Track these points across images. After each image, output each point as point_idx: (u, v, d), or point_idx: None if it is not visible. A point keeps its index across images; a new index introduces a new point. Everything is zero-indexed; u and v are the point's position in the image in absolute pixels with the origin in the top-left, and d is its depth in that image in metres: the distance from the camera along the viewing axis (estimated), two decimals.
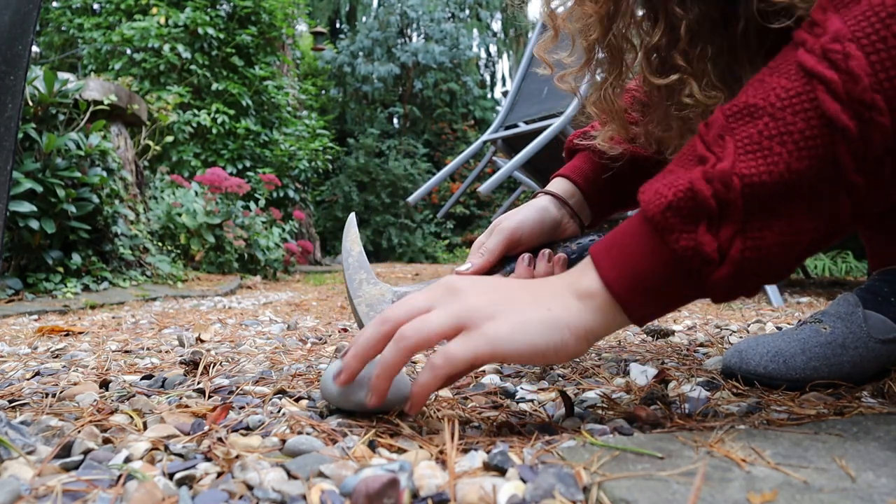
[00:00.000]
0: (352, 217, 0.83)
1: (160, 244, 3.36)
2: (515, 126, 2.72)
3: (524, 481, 0.41)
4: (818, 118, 0.43)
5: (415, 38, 11.91)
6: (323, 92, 11.05)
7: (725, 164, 0.45)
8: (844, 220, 0.45)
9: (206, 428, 0.54)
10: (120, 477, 0.42)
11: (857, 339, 0.69)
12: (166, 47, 5.23)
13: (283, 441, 0.50)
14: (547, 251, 0.75)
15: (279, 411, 0.60)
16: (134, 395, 0.67)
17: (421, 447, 0.49)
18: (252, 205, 4.29)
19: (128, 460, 0.46)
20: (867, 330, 0.70)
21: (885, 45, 0.42)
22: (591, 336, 0.50)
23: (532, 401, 0.65)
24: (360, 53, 10.96)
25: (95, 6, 5.98)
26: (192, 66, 5.42)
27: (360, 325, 0.74)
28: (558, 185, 0.84)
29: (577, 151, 0.88)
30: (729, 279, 0.46)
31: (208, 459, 0.47)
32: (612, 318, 0.50)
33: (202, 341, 1.13)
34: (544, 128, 2.31)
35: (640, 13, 0.72)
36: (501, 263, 0.78)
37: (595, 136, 0.85)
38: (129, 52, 5.41)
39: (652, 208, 0.47)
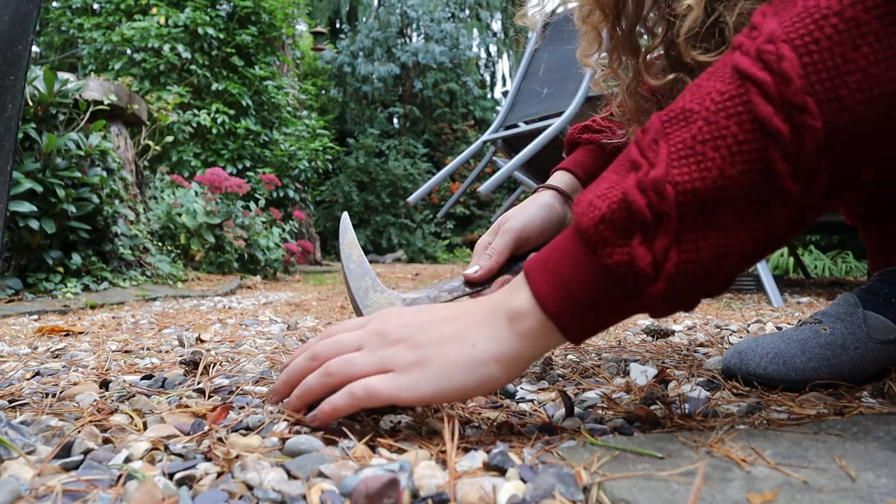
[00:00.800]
0: (345, 218, 0.81)
1: (160, 244, 3.36)
2: (515, 126, 2.72)
3: (524, 481, 0.41)
4: (751, 122, 0.42)
5: (415, 38, 11.91)
6: (323, 92, 11.05)
7: (659, 172, 0.44)
8: (780, 230, 0.44)
9: (206, 428, 0.54)
10: (120, 477, 0.42)
11: (857, 339, 0.69)
12: (166, 47, 5.23)
13: (283, 441, 0.50)
14: None
15: (279, 411, 0.60)
16: (134, 395, 0.67)
17: (421, 447, 0.49)
18: (252, 205, 4.29)
19: (128, 460, 0.46)
20: (867, 331, 0.70)
21: (818, 47, 0.41)
22: (522, 361, 0.49)
23: (532, 401, 0.65)
24: (360, 53, 10.97)
25: (95, 6, 5.98)
26: (192, 66, 5.42)
27: None
28: (560, 178, 0.84)
29: (579, 145, 0.88)
30: (664, 294, 0.45)
31: (208, 459, 0.47)
32: (545, 338, 0.49)
33: (202, 341, 1.13)
34: (544, 128, 2.31)
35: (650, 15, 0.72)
36: (508, 264, 0.77)
37: (599, 131, 0.85)
38: (129, 52, 5.41)
39: (585, 221, 0.46)
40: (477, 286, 0.76)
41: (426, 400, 0.49)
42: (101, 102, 2.85)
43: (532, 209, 0.78)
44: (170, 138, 4.21)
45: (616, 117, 0.81)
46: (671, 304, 0.46)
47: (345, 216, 0.81)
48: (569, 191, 0.82)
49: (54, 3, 5.89)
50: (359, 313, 0.74)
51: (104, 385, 0.73)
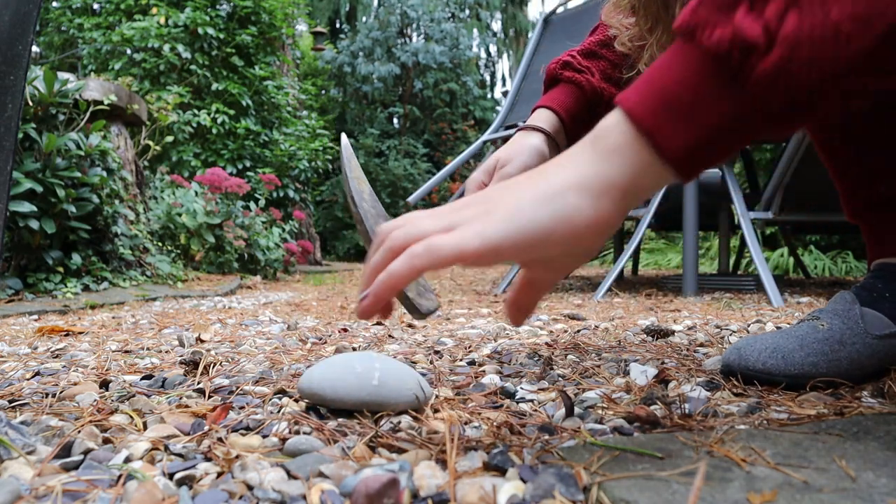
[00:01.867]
0: (345, 142, 0.72)
1: (160, 244, 3.36)
2: (515, 126, 2.72)
3: (524, 481, 0.41)
4: None
5: (415, 38, 11.91)
6: (323, 92, 11.05)
7: None
8: None
9: (206, 428, 0.54)
10: (120, 477, 0.42)
11: (855, 335, 0.70)
12: (166, 47, 5.23)
13: (283, 441, 0.50)
14: None
15: (279, 411, 0.60)
16: (134, 395, 0.67)
17: (421, 447, 0.49)
18: (252, 205, 4.29)
19: (128, 460, 0.46)
20: (864, 326, 0.71)
21: None
22: (614, 190, 0.40)
23: (532, 401, 0.65)
24: (360, 53, 10.96)
25: (95, 6, 5.98)
26: (192, 66, 5.42)
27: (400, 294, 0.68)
28: (547, 119, 0.83)
29: (559, 82, 0.86)
30: (782, 68, 0.36)
31: (208, 459, 0.47)
32: (637, 159, 0.40)
33: (202, 341, 1.13)
34: None
35: None
36: None
37: (580, 70, 0.84)
38: (129, 52, 5.41)
39: (683, 16, 0.39)
40: None
41: (494, 246, 0.40)
42: (101, 102, 2.85)
43: (525, 155, 0.77)
44: (170, 138, 4.20)
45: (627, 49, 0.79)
46: (792, 85, 0.37)
47: (345, 140, 0.73)
48: (553, 133, 0.81)
49: (54, 3, 5.88)
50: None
51: (104, 385, 0.73)
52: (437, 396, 0.66)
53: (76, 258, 2.30)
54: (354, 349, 1.03)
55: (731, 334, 1.15)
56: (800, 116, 0.39)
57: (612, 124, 0.41)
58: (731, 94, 0.38)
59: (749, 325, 1.27)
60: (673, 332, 1.12)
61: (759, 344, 0.71)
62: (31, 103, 2.24)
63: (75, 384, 0.73)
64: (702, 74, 0.38)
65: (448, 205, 0.45)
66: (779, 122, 0.39)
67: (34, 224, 2.08)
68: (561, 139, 0.82)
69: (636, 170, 0.40)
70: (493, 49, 14.25)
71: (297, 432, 0.53)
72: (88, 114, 2.57)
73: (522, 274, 0.48)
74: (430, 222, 0.43)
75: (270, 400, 0.65)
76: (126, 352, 1.03)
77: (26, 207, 2.03)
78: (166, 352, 1.02)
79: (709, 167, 0.41)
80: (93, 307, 1.96)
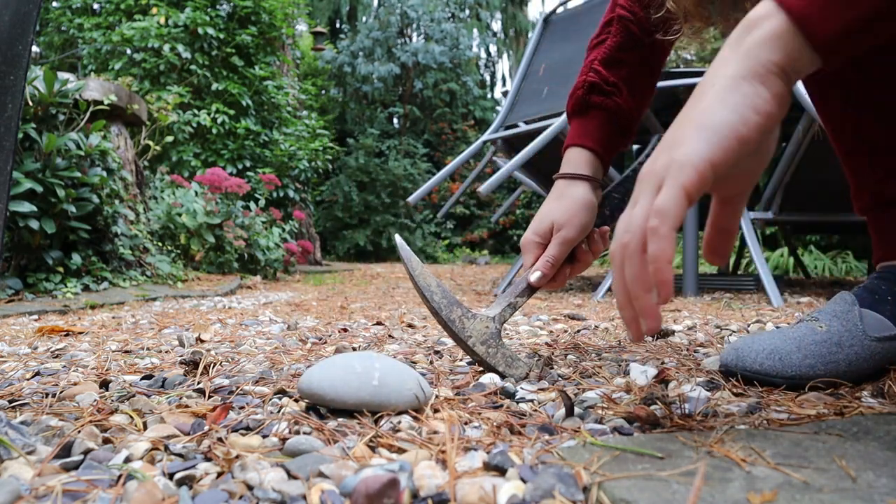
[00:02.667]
0: (401, 243, 0.79)
1: (160, 244, 3.36)
2: (515, 126, 2.72)
3: (524, 481, 0.41)
4: None
5: (415, 38, 11.91)
6: (323, 92, 11.05)
7: None
8: None
9: (206, 428, 0.54)
10: (120, 477, 0.42)
11: (853, 336, 0.69)
12: (166, 47, 5.23)
13: (283, 441, 0.50)
14: (596, 232, 0.79)
15: (279, 411, 0.60)
16: (134, 395, 0.67)
17: (421, 447, 0.49)
18: (252, 205, 4.29)
19: (128, 460, 0.46)
20: (863, 328, 0.70)
21: None
22: (778, 70, 0.43)
23: (532, 401, 0.65)
24: (360, 53, 10.96)
25: (95, 6, 5.98)
26: (192, 66, 5.42)
27: (483, 364, 0.78)
28: (587, 163, 0.83)
29: (589, 109, 0.85)
30: None
31: (208, 459, 0.47)
32: (791, 45, 0.42)
33: (202, 341, 1.13)
34: (544, 128, 2.31)
35: None
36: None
37: (608, 92, 0.83)
38: (129, 52, 5.41)
39: None
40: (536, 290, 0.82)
41: (706, 158, 0.42)
42: (101, 102, 2.85)
43: (581, 215, 0.80)
44: (170, 138, 4.20)
45: (675, 12, 0.76)
46: None
47: (400, 240, 0.80)
48: (595, 175, 0.83)
49: (54, 3, 5.88)
50: (467, 349, 0.78)
51: (104, 385, 0.73)
52: (437, 396, 0.66)
53: (76, 258, 2.30)
54: (354, 349, 1.03)
55: (730, 334, 1.15)
56: None
57: (766, 12, 0.43)
58: None
59: (749, 325, 1.27)
60: (673, 332, 1.12)
61: (757, 345, 0.71)
62: (31, 103, 2.24)
63: (75, 384, 0.73)
64: None
65: (641, 179, 0.46)
66: None
67: (34, 224, 2.08)
68: (601, 174, 0.83)
69: (792, 53, 0.42)
70: (493, 49, 14.25)
71: (297, 432, 0.53)
72: (88, 114, 2.57)
73: (716, 203, 0.49)
74: (637, 209, 0.45)
75: (270, 400, 0.65)
76: (126, 352, 1.03)
77: (26, 207, 2.03)
78: (166, 352, 1.02)
79: (852, 55, 0.44)
80: (93, 307, 1.96)
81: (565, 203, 0.80)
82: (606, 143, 0.83)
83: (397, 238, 0.82)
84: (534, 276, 0.80)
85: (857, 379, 0.69)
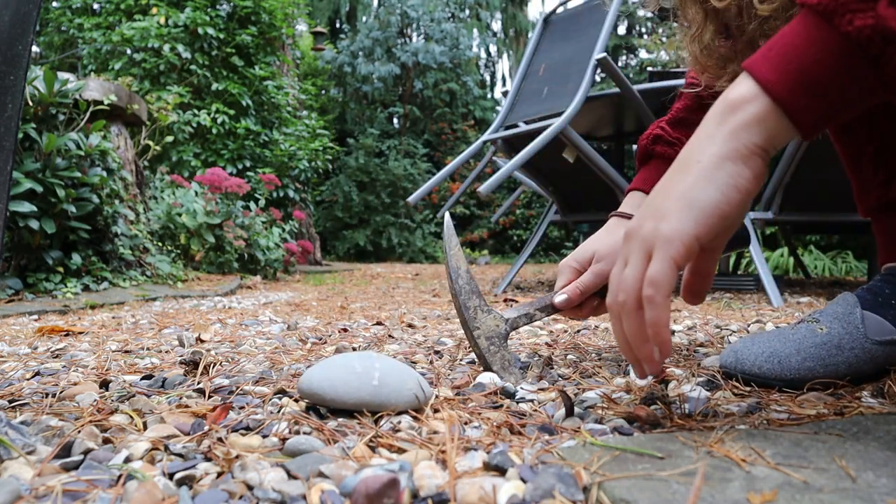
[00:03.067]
0: (448, 222, 0.81)
1: (160, 244, 3.36)
2: (515, 126, 2.72)
3: (524, 481, 0.41)
4: None
5: (415, 38, 11.91)
6: (323, 92, 11.05)
7: None
8: None
9: (206, 428, 0.54)
10: (120, 477, 0.42)
11: (854, 340, 0.69)
12: (166, 47, 5.23)
13: (283, 441, 0.50)
14: None
15: (279, 411, 0.60)
16: (134, 395, 0.67)
17: (421, 447, 0.49)
18: (252, 205, 4.29)
19: (128, 460, 0.46)
20: (864, 331, 0.69)
21: None
22: (759, 151, 0.45)
23: (532, 401, 0.65)
24: (360, 53, 10.96)
25: (95, 6, 5.98)
26: (192, 66, 5.42)
27: (480, 359, 0.79)
28: (640, 203, 0.84)
29: (652, 158, 0.88)
30: None
31: (208, 459, 0.47)
32: (775, 126, 0.44)
33: (202, 341, 1.13)
34: (544, 128, 2.31)
35: None
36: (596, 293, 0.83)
37: (671, 143, 0.85)
38: (129, 52, 5.41)
39: None
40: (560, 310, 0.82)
41: (692, 234, 0.45)
42: (101, 102, 2.84)
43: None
44: (170, 138, 4.20)
45: (702, 77, 0.79)
46: None
47: (448, 219, 0.82)
48: None
49: (54, 3, 5.88)
50: (471, 338, 0.78)
51: (104, 385, 0.73)
52: (437, 396, 0.66)
53: (76, 258, 2.30)
54: (354, 349, 1.03)
55: (730, 334, 1.15)
56: None
57: (750, 95, 0.45)
58: (865, 76, 0.41)
59: (749, 325, 1.27)
60: (673, 332, 1.12)
61: (756, 347, 0.70)
62: (31, 103, 2.24)
63: (75, 384, 0.73)
64: (839, 58, 0.41)
65: (627, 241, 0.50)
66: None
67: (34, 224, 2.08)
68: None
69: (774, 134, 0.45)
70: (493, 49, 14.25)
71: (297, 432, 0.53)
72: (88, 114, 2.57)
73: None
74: (629, 271, 0.48)
75: (270, 400, 0.65)
76: (126, 352, 1.03)
77: (26, 207, 2.03)
78: (166, 352, 1.02)
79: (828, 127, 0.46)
80: (93, 307, 1.96)
81: (612, 238, 0.82)
82: None
83: (446, 216, 0.83)
84: (559, 298, 0.80)
85: (856, 381, 0.69)
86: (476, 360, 0.80)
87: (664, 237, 0.46)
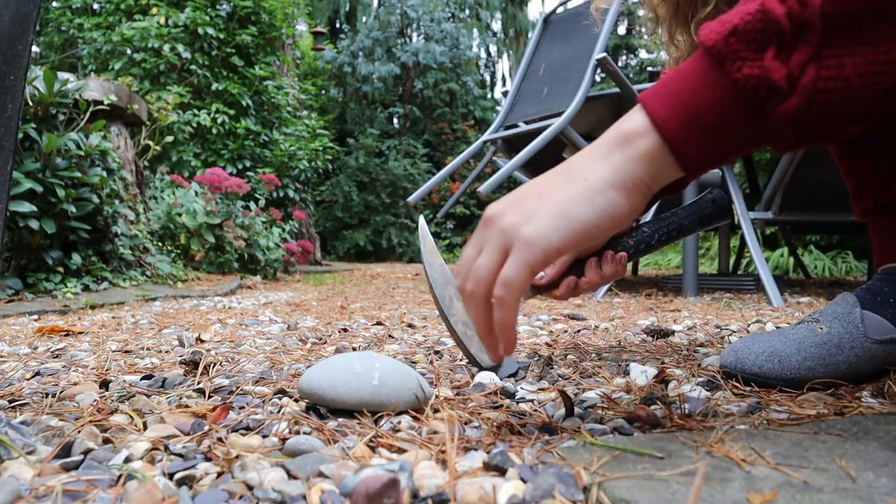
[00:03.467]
0: (422, 223, 0.85)
1: (160, 244, 3.36)
2: (515, 126, 2.71)
3: (524, 481, 0.41)
4: None
5: (415, 38, 11.91)
6: (323, 92, 11.05)
7: None
8: None
9: (206, 428, 0.54)
10: (120, 477, 0.42)
11: (854, 339, 0.69)
12: (166, 47, 5.23)
13: (283, 441, 0.50)
14: (609, 253, 0.75)
15: (279, 411, 0.60)
16: (134, 395, 0.67)
17: (421, 447, 0.49)
18: (252, 205, 4.29)
19: (128, 460, 0.46)
20: (864, 330, 0.70)
21: None
22: (643, 186, 0.46)
23: (532, 401, 0.65)
24: (361, 53, 10.96)
25: (95, 6, 5.98)
26: (192, 66, 5.42)
27: (458, 343, 0.80)
28: None
29: None
30: (798, 114, 0.40)
31: (208, 459, 0.47)
32: (661, 165, 0.45)
33: (202, 341, 1.13)
34: (544, 128, 2.31)
35: None
36: (571, 265, 0.80)
37: None
38: (129, 52, 5.41)
39: (713, 37, 0.42)
40: (542, 289, 0.79)
41: (555, 244, 0.45)
42: (101, 102, 2.84)
43: None
44: (170, 138, 4.20)
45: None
46: (804, 128, 0.41)
47: (422, 221, 0.86)
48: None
49: (54, 3, 5.88)
50: (448, 325, 0.79)
51: (104, 385, 0.73)
52: (437, 396, 0.66)
53: (76, 258, 2.30)
54: (354, 349, 1.03)
55: (730, 334, 1.15)
56: (810, 145, 0.44)
57: (642, 129, 0.45)
58: (751, 124, 0.42)
59: (749, 325, 1.27)
60: (673, 332, 1.12)
61: (756, 347, 0.71)
62: (31, 103, 2.24)
63: (75, 384, 0.73)
64: (728, 104, 0.42)
65: (488, 223, 0.49)
66: (790, 148, 0.43)
67: (34, 224, 2.08)
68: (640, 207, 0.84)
69: (660, 171, 0.46)
70: (493, 49, 14.25)
71: (297, 432, 0.53)
72: (88, 114, 2.57)
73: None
74: (482, 260, 0.48)
75: (270, 400, 0.65)
76: (126, 352, 1.03)
77: (26, 207, 2.03)
78: (166, 352, 1.02)
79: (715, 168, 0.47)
80: (93, 307, 1.96)
81: None
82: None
83: (420, 219, 0.87)
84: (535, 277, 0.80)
85: (856, 381, 0.69)
86: (455, 344, 0.82)
87: (526, 239, 0.46)
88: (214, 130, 5.34)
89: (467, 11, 13.38)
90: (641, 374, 0.76)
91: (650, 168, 0.46)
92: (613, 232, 0.48)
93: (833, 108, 0.40)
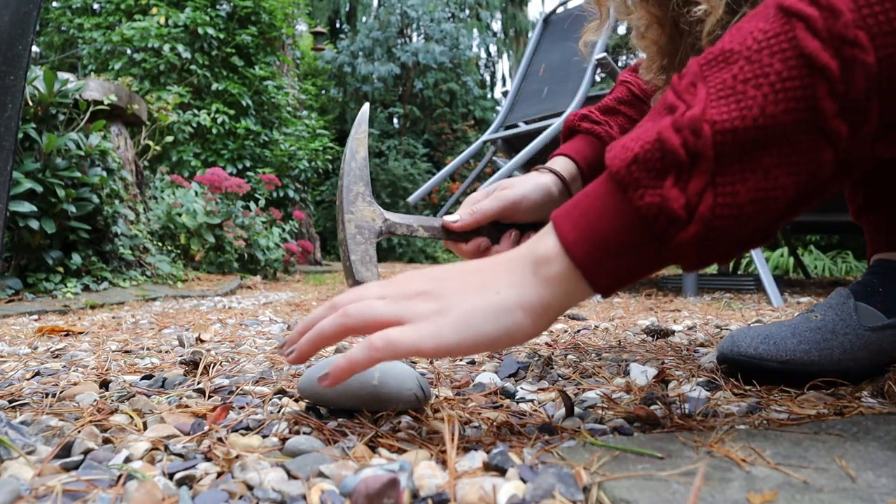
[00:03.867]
0: (365, 108, 0.78)
1: (160, 244, 3.36)
2: (515, 126, 2.71)
3: (524, 481, 0.41)
4: (796, 58, 0.40)
5: (415, 38, 11.91)
6: (323, 92, 11.05)
7: (695, 111, 0.41)
8: (826, 174, 0.41)
9: (206, 428, 0.54)
10: (120, 477, 0.42)
11: (847, 325, 0.71)
12: (166, 47, 5.23)
13: (283, 441, 0.50)
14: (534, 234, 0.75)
15: (279, 411, 0.60)
16: (134, 395, 0.67)
17: (421, 447, 0.49)
18: (252, 205, 4.29)
19: (128, 460, 0.46)
20: (857, 318, 0.72)
21: None
22: (550, 311, 0.47)
23: (532, 401, 0.65)
24: (360, 53, 10.96)
25: (95, 6, 5.98)
26: (192, 66, 5.42)
27: (344, 244, 0.72)
28: (563, 165, 0.83)
29: (577, 133, 0.88)
30: (697, 240, 0.42)
31: (208, 459, 0.47)
32: (573, 288, 0.46)
33: (202, 341, 1.13)
34: (544, 128, 2.31)
35: None
36: (489, 227, 0.77)
37: (597, 122, 0.87)
38: (129, 52, 5.41)
39: (617, 163, 0.44)
40: (452, 235, 0.77)
41: (449, 348, 0.46)
42: (101, 102, 2.84)
43: (530, 187, 0.78)
44: (170, 138, 4.20)
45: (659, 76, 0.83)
46: (704, 252, 0.43)
47: (365, 107, 0.79)
48: (569, 178, 0.82)
49: (54, 3, 5.88)
50: (341, 219, 0.73)
51: (104, 385, 0.73)
52: (437, 396, 0.66)
53: (76, 258, 2.30)
54: None
55: None
56: (716, 262, 0.46)
57: (553, 254, 0.46)
58: (654, 249, 0.44)
59: (749, 325, 1.27)
60: (673, 332, 1.12)
61: (753, 332, 0.73)
62: (31, 103, 2.24)
63: (75, 384, 0.73)
64: (631, 230, 0.44)
65: (399, 283, 0.50)
66: (696, 267, 0.45)
67: (34, 224, 2.08)
68: (577, 185, 0.82)
69: (570, 295, 0.47)
70: (493, 49, 14.26)
71: (297, 432, 0.53)
72: (88, 114, 2.57)
73: None
74: (382, 307, 0.48)
75: (270, 400, 0.65)
76: (126, 352, 1.03)
77: (26, 207, 2.03)
78: (166, 352, 1.02)
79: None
80: (93, 307, 1.96)
81: (521, 178, 0.81)
82: (590, 159, 0.84)
83: (365, 105, 0.80)
84: (450, 217, 0.76)
85: (852, 368, 0.70)
86: (339, 246, 0.74)
87: (428, 327, 0.46)
88: (214, 130, 5.34)
89: (467, 11, 13.38)
90: (641, 374, 0.76)
91: (562, 293, 0.46)
92: (506, 347, 0.48)
93: (730, 233, 0.42)
